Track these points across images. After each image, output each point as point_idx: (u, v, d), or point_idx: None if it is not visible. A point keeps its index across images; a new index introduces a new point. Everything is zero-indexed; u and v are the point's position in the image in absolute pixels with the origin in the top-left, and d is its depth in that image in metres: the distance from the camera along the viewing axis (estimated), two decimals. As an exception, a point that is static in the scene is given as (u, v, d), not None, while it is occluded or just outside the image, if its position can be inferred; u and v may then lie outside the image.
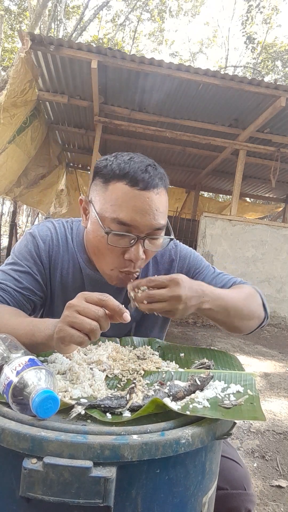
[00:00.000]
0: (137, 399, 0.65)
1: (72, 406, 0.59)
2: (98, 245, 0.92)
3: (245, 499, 0.91)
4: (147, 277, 0.84)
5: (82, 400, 0.62)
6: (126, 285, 0.91)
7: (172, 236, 0.95)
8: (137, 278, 1.02)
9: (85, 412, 0.59)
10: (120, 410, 0.61)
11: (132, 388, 0.67)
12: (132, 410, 0.61)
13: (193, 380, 0.69)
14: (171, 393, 0.65)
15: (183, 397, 0.65)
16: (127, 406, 0.62)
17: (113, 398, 0.63)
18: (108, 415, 0.59)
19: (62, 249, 1.02)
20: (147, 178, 0.86)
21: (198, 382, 0.68)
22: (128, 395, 0.64)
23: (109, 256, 0.91)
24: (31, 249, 0.99)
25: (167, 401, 0.61)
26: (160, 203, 0.88)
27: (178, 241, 1.14)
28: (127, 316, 0.69)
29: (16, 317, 0.84)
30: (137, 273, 0.94)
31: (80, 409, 0.58)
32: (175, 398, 0.64)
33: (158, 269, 1.09)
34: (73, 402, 0.60)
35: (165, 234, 0.95)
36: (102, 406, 0.60)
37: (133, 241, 0.87)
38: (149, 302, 0.82)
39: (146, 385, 0.72)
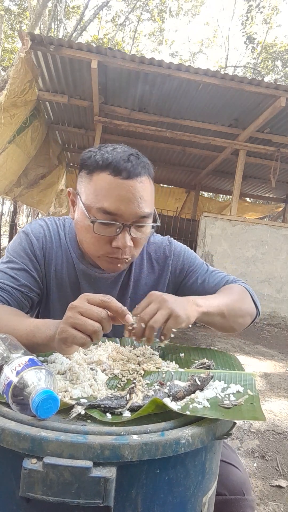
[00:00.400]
0: (137, 399, 0.65)
1: (72, 406, 0.59)
2: (85, 234, 0.94)
3: (243, 505, 0.90)
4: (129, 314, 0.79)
5: (82, 400, 0.62)
6: (117, 270, 0.97)
7: (158, 223, 0.97)
8: (130, 270, 1.07)
9: (85, 412, 0.59)
10: (120, 410, 0.61)
11: (132, 388, 0.67)
12: (132, 410, 0.61)
13: (193, 380, 0.69)
14: (171, 393, 0.65)
15: (183, 397, 0.65)
16: (127, 406, 0.62)
17: (113, 398, 0.63)
18: (108, 415, 0.59)
19: (56, 245, 1.03)
20: (130, 167, 0.87)
21: (198, 382, 0.68)
22: (128, 395, 0.64)
23: (96, 244, 0.93)
24: (25, 247, 1.00)
25: (167, 401, 0.61)
26: (144, 191, 0.89)
27: (172, 238, 1.16)
28: (129, 317, 0.69)
29: (16, 317, 0.84)
30: (128, 260, 0.95)
31: (80, 409, 0.58)
32: (175, 398, 0.64)
33: (153, 266, 1.10)
34: (73, 402, 0.60)
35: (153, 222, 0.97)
36: (102, 406, 0.60)
37: (119, 229, 0.89)
38: (146, 324, 0.79)
39: (146, 385, 0.72)
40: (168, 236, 1.17)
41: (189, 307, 0.85)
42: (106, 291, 1.05)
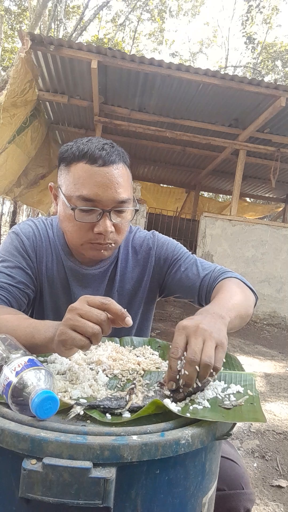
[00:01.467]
0: (136, 399, 0.65)
1: (71, 407, 0.59)
2: (67, 223, 0.96)
3: (243, 499, 0.91)
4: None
5: (81, 401, 0.62)
6: (101, 257, 0.98)
7: (137, 207, 1.00)
8: (116, 265, 1.08)
9: (85, 413, 0.59)
10: (119, 411, 0.60)
11: (132, 389, 0.66)
12: (132, 411, 0.61)
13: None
14: (171, 394, 0.65)
15: (183, 398, 0.65)
16: (127, 407, 0.61)
17: (112, 399, 0.63)
18: (108, 415, 0.59)
19: (45, 244, 1.07)
20: (105, 155, 0.91)
21: (199, 384, 0.67)
22: (127, 396, 0.64)
23: (79, 232, 0.95)
24: (17, 246, 1.03)
25: (167, 402, 0.61)
26: (120, 177, 0.93)
27: (156, 231, 1.18)
28: (129, 320, 0.68)
29: (15, 318, 0.85)
30: (111, 246, 0.97)
31: (78, 410, 0.58)
32: (175, 399, 0.64)
33: (138, 259, 1.13)
34: (72, 402, 0.60)
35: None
36: (101, 406, 0.60)
37: (99, 215, 0.92)
38: (200, 364, 0.63)
39: (146, 385, 0.72)
40: (153, 230, 1.20)
41: (221, 325, 0.73)
42: (94, 286, 1.08)
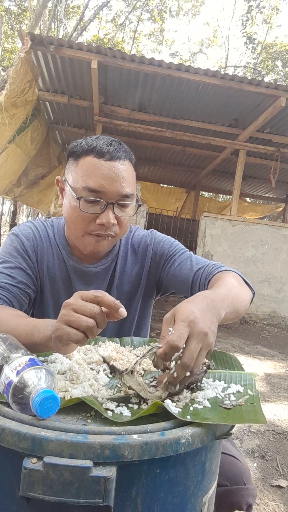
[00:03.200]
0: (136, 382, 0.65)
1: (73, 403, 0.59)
2: (72, 214, 0.99)
3: (245, 494, 0.92)
4: (165, 347, 0.63)
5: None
6: (99, 249, 1.00)
7: (140, 203, 1.04)
8: (116, 262, 1.10)
9: (85, 413, 0.59)
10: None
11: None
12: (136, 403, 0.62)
13: None
14: (166, 390, 0.65)
15: (177, 393, 0.65)
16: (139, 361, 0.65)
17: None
18: (109, 412, 0.60)
19: (46, 244, 1.09)
20: (112, 150, 0.96)
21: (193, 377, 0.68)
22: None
23: (81, 223, 0.98)
24: (17, 247, 1.05)
25: (168, 403, 0.61)
26: (125, 172, 0.97)
27: (155, 230, 1.21)
28: (123, 311, 0.68)
29: (15, 317, 0.85)
30: (111, 236, 1.00)
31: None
32: (170, 394, 0.65)
33: (136, 257, 1.15)
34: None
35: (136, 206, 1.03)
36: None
37: (103, 206, 0.96)
38: (189, 367, 0.64)
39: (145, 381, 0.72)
40: (151, 229, 1.22)
41: (215, 325, 0.72)
42: (96, 284, 1.10)
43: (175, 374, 0.63)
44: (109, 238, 1.00)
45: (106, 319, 0.69)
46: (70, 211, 0.99)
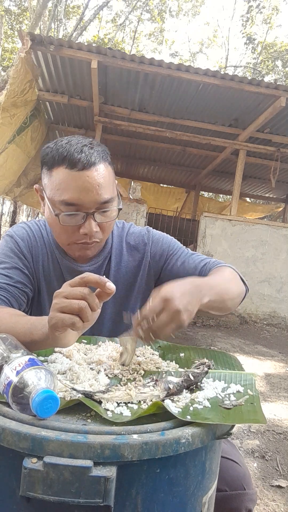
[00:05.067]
0: (130, 392, 0.65)
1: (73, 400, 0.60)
2: (54, 226, 0.98)
3: (244, 499, 0.91)
4: (141, 314, 0.77)
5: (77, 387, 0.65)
6: (87, 256, 1.02)
7: (121, 206, 1.01)
8: (110, 260, 1.11)
9: (85, 412, 0.60)
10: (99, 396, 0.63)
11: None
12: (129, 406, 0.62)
13: (187, 375, 0.69)
14: (164, 390, 0.65)
15: (176, 393, 0.65)
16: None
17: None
18: (109, 413, 0.60)
19: (40, 244, 1.09)
20: (84, 158, 0.91)
21: (192, 378, 0.68)
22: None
23: (65, 234, 0.97)
24: (12, 247, 1.05)
25: (168, 402, 0.61)
26: (101, 178, 0.94)
27: (150, 227, 1.20)
28: (110, 285, 0.70)
29: (14, 316, 0.85)
30: (96, 243, 1.00)
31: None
32: (168, 394, 0.65)
33: (132, 254, 1.15)
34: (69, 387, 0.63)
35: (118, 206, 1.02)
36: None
37: (84, 217, 0.94)
38: (156, 335, 0.77)
39: (142, 385, 0.72)
40: (147, 226, 1.22)
41: (195, 305, 0.80)
42: None
43: (142, 335, 0.76)
44: (95, 244, 1.00)
45: (97, 300, 0.70)
46: (53, 224, 0.98)
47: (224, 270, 1.07)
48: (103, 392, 0.64)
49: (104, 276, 1.10)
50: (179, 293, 0.77)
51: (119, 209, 1.01)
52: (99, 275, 0.71)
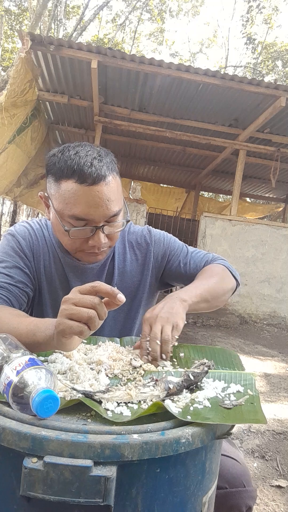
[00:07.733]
0: (130, 393, 0.65)
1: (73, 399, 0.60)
2: (62, 237, 0.98)
3: (244, 496, 0.91)
4: (140, 344, 0.88)
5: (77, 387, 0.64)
6: (97, 261, 1.03)
7: (129, 218, 1.02)
8: (113, 259, 1.13)
9: (85, 412, 0.60)
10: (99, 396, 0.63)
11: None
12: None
13: (187, 375, 0.69)
14: (165, 390, 0.65)
15: (176, 393, 0.66)
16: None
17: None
18: (109, 413, 0.60)
19: (41, 243, 1.09)
20: (94, 173, 0.89)
21: (192, 377, 0.68)
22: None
23: (73, 245, 0.98)
24: (14, 246, 1.05)
25: (168, 402, 0.61)
26: (110, 192, 0.92)
27: (150, 226, 1.22)
28: (121, 296, 0.70)
29: (16, 317, 0.85)
30: (105, 250, 1.01)
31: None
32: (168, 394, 0.65)
33: (136, 254, 1.16)
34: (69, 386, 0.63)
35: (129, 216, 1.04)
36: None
37: (92, 231, 0.94)
38: (161, 341, 0.85)
39: (142, 385, 0.72)
40: (146, 225, 1.23)
41: (178, 308, 0.91)
42: (93, 280, 1.09)
43: (150, 348, 0.83)
44: (103, 251, 1.01)
45: (105, 309, 0.70)
46: (61, 235, 0.97)
47: (213, 268, 1.12)
48: (103, 392, 0.64)
49: (107, 272, 1.12)
50: (158, 309, 0.90)
51: (128, 221, 1.01)
52: (111, 286, 0.71)
